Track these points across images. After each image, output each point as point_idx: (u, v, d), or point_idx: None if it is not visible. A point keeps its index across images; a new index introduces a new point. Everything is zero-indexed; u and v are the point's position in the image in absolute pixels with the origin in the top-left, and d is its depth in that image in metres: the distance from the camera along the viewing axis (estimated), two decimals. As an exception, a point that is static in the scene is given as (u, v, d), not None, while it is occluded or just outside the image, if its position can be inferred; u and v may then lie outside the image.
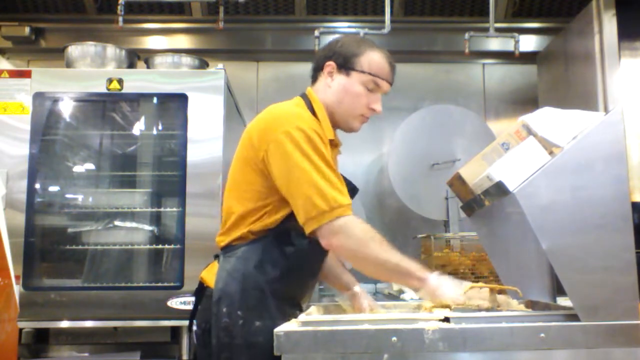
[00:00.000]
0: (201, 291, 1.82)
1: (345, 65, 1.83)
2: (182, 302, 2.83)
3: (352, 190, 1.85)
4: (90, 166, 3.30)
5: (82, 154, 3.30)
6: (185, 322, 2.72)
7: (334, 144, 1.86)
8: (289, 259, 1.73)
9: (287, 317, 1.68)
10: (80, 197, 3.20)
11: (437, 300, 1.64)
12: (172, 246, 3.02)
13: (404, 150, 3.53)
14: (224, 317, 1.66)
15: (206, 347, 1.73)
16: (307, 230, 1.64)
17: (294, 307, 1.78)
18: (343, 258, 1.71)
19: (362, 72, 1.82)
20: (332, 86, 1.84)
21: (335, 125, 1.88)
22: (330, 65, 1.84)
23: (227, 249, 1.77)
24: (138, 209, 3.12)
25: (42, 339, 2.98)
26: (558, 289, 1.73)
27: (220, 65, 3.08)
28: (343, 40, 1.88)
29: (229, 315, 1.66)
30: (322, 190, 1.61)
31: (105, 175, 3.27)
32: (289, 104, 1.83)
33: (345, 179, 1.80)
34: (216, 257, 1.84)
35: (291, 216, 1.70)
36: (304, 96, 1.88)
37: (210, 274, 1.78)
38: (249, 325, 1.64)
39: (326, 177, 1.64)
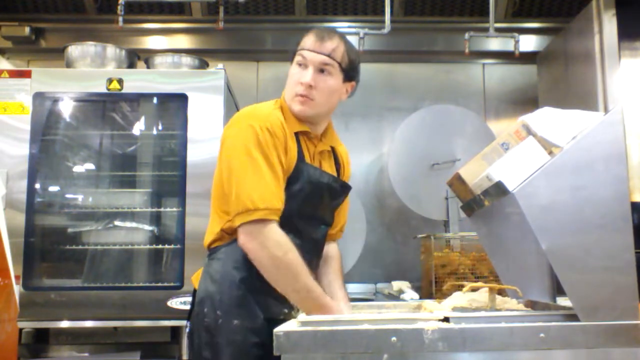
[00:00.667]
0: (193, 294, 1.85)
1: (293, 55, 1.85)
2: (182, 302, 2.83)
3: (344, 187, 1.88)
4: (90, 166, 3.30)
5: (82, 154, 3.30)
6: (185, 322, 2.73)
7: (309, 136, 1.85)
8: None
9: (275, 314, 1.70)
10: (80, 197, 3.20)
11: None
12: (172, 246, 3.02)
13: (404, 150, 3.53)
14: (205, 317, 1.70)
15: (193, 346, 1.77)
16: (234, 225, 1.68)
17: (281, 304, 1.76)
18: (255, 264, 1.71)
19: (294, 51, 1.83)
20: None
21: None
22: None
23: (210, 250, 1.83)
24: (138, 209, 3.12)
25: (42, 339, 2.98)
26: (558, 289, 1.73)
27: (220, 65, 3.08)
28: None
29: (209, 314, 1.70)
30: (248, 191, 1.64)
31: (105, 175, 3.27)
32: (260, 103, 1.86)
33: (323, 173, 1.82)
34: None
35: None
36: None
37: (197, 277, 1.84)
38: (228, 323, 1.67)
39: (261, 176, 1.66)
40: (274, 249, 1.64)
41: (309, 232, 1.83)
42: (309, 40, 1.80)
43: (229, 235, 1.76)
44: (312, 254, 1.86)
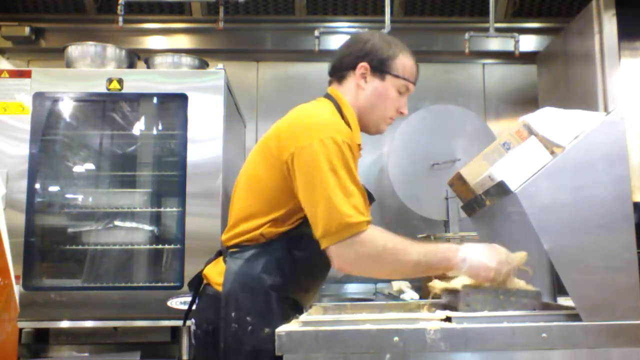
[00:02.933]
0: (201, 287, 1.77)
1: (381, 68, 1.78)
2: (182, 302, 2.83)
3: (370, 198, 1.78)
4: (90, 166, 3.29)
5: (82, 154, 3.30)
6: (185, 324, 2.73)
7: (359, 148, 1.81)
8: (298, 264, 1.69)
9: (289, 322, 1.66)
10: (80, 197, 3.20)
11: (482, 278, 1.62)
12: (172, 246, 3.02)
13: (404, 150, 3.53)
14: (233, 322, 1.61)
15: (207, 348, 1.69)
16: (322, 246, 1.59)
17: (297, 312, 1.72)
18: (363, 275, 1.68)
19: (397, 76, 1.78)
20: (365, 89, 1.79)
21: (363, 128, 1.85)
22: (364, 66, 1.78)
23: (235, 248, 1.71)
24: (138, 209, 3.11)
25: (42, 339, 2.98)
26: (559, 289, 1.73)
27: (220, 65, 3.08)
28: (374, 40, 1.81)
29: (237, 320, 1.61)
30: (340, 208, 1.55)
31: (105, 175, 3.26)
32: (322, 108, 1.76)
33: (365, 189, 1.73)
34: (219, 253, 1.79)
35: (306, 221, 1.65)
36: (330, 98, 1.82)
37: (215, 273, 1.73)
38: (259, 332, 1.60)
39: (348, 193, 1.57)
40: (372, 250, 1.57)
41: None
42: (415, 74, 1.83)
43: (264, 237, 1.68)
44: (330, 265, 1.84)
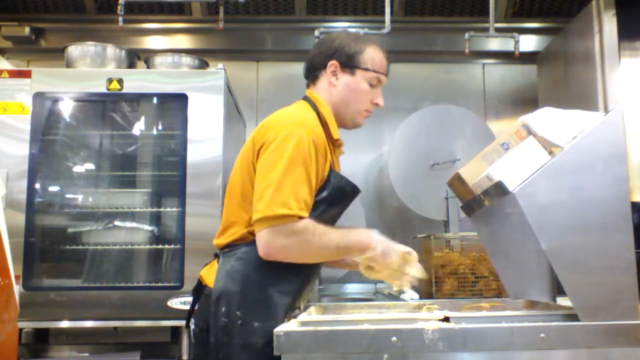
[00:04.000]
0: (200, 290, 1.81)
1: (349, 63, 1.84)
2: (182, 302, 2.83)
3: (353, 190, 1.84)
4: (90, 166, 3.30)
5: (82, 154, 3.30)
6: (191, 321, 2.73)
7: (338, 144, 1.87)
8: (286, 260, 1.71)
9: (285, 317, 1.68)
10: (80, 197, 3.20)
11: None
12: (172, 246, 3.02)
13: (404, 150, 3.52)
14: (223, 316, 1.66)
15: (204, 346, 1.73)
16: (256, 229, 1.65)
17: (292, 308, 1.77)
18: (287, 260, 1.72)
19: (366, 69, 1.84)
20: (337, 85, 1.85)
21: (340, 123, 1.89)
22: (334, 64, 1.85)
23: (227, 248, 1.77)
24: (138, 209, 3.12)
25: (42, 339, 2.98)
26: (558, 289, 1.73)
27: (220, 65, 3.08)
28: (340, 38, 1.88)
29: (227, 315, 1.65)
30: (285, 198, 1.61)
31: (105, 175, 3.27)
32: (295, 108, 1.83)
33: (346, 180, 1.80)
34: (216, 256, 1.84)
35: None
36: (307, 99, 1.88)
37: (209, 273, 1.78)
38: (248, 325, 1.64)
39: (298, 187, 1.63)
40: (301, 239, 1.63)
41: None
42: (384, 65, 1.89)
43: (253, 235, 1.71)
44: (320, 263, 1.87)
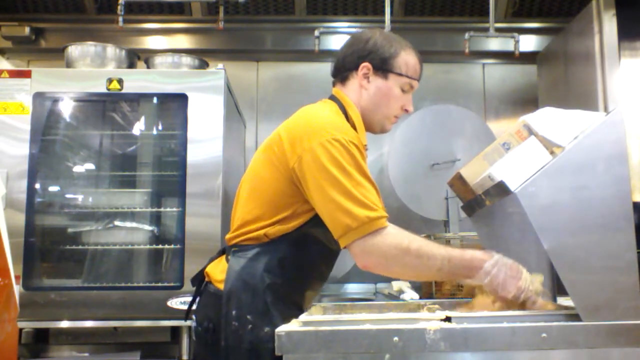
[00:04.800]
0: (202, 286, 1.77)
1: (383, 67, 1.77)
2: (182, 302, 2.83)
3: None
4: (90, 166, 3.30)
5: (82, 154, 3.30)
6: (186, 322, 2.73)
7: (365, 149, 1.81)
8: (302, 264, 1.69)
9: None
10: (80, 197, 3.20)
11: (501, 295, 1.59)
12: (172, 246, 3.02)
13: (404, 150, 3.52)
14: (234, 320, 1.61)
15: (207, 346, 1.69)
16: (343, 245, 1.59)
17: (298, 312, 1.72)
18: (385, 274, 1.65)
19: (400, 74, 1.78)
20: (368, 89, 1.79)
21: (367, 128, 1.84)
22: (366, 66, 1.78)
23: (238, 247, 1.71)
24: (138, 209, 3.12)
25: (42, 339, 2.98)
26: (559, 289, 1.73)
27: (220, 65, 3.08)
28: (374, 38, 1.80)
29: (238, 318, 1.61)
30: (357, 204, 1.54)
31: (105, 175, 3.27)
32: (325, 109, 1.75)
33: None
34: (223, 252, 1.79)
35: (310, 223, 1.66)
36: (334, 99, 1.81)
37: (217, 271, 1.73)
38: (258, 330, 1.60)
39: (362, 189, 1.57)
40: (396, 248, 1.57)
41: (335, 243, 1.72)
42: (418, 71, 1.82)
43: (267, 237, 1.67)
44: (332, 266, 1.83)
